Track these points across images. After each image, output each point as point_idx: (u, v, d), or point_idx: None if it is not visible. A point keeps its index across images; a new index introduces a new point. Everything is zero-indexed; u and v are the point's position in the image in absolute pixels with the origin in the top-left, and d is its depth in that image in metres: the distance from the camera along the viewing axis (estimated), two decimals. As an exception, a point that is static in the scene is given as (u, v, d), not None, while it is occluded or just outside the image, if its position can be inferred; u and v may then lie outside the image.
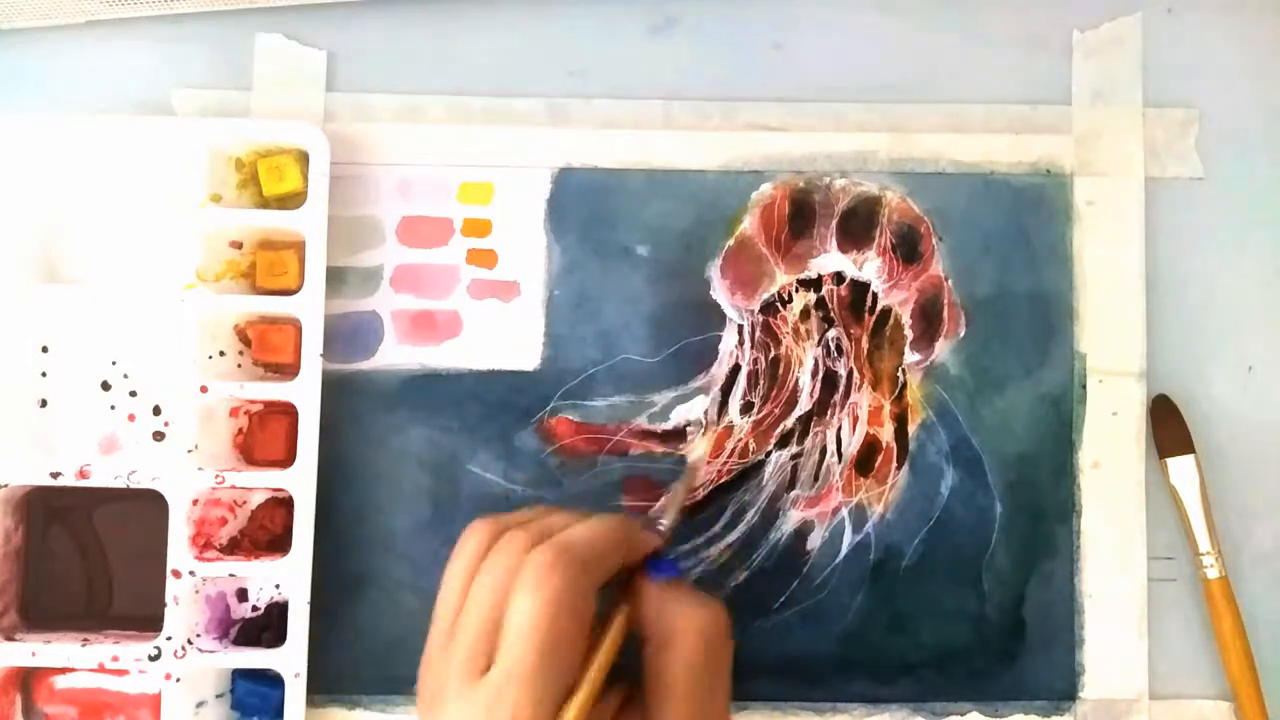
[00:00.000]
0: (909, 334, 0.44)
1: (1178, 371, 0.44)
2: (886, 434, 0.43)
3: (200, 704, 0.41)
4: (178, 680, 0.40)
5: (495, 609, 0.34)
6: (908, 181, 0.44)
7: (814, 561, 0.43)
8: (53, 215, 0.43)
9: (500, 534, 0.36)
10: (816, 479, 0.43)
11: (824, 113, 0.44)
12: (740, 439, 0.43)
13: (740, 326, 0.44)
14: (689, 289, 0.44)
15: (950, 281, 0.44)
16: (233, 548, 0.43)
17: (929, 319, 0.44)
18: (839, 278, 0.44)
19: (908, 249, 0.44)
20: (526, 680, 0.32)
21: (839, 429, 0.44)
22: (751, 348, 0.44)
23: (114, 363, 0.43)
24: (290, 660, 0.40)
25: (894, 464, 0.43)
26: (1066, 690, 0.43)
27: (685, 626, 0.36)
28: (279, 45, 0.44)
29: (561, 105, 0.44)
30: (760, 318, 0.44)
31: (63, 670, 0.42)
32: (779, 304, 0.44)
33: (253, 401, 0.43)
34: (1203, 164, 0.44)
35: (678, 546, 0.43)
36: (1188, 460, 0.43)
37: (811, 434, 0.44)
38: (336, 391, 0.43)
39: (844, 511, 0.43)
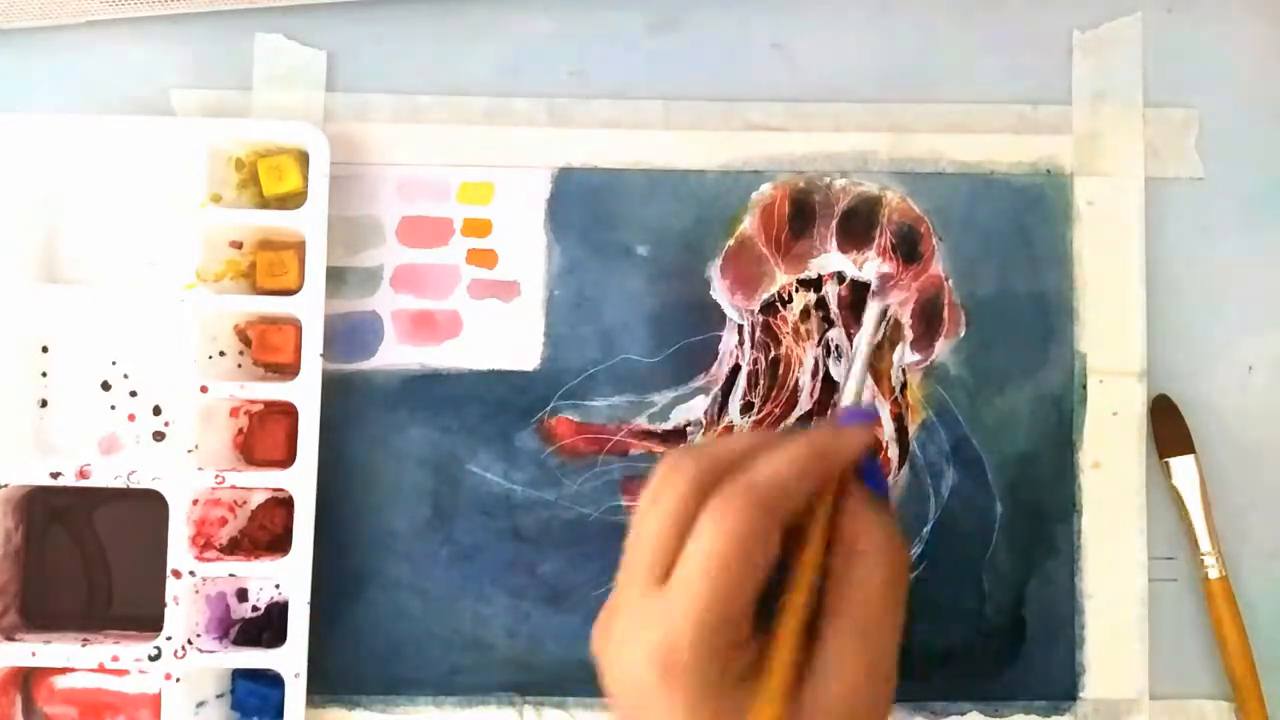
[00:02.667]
0: (909, 334, 0.44)
1: (1178, 371, 0.44)
2: (886, 434, 0.43)
3: (200, 704, 0.41)
4: (178, 680, 0.40)
5: (677, 539, 0.33)
6: (908, 181, 0.44)
7: (814, 561, 0.43)
8: (53, 215, 0.43)
9: (705, 481, 0.34)
10: (816, 479, 0.43)
11: (824, 113, 0.44)
12: (740, 439, 0.43)
13: (740, 326, 0.44)
14: (689, 289, 0.44)
15: (950, 281, 0.44)
16: (233, 548, 0.43)
17: (929, 319, 0.44)
18: (839, 278, 0.44)
19: (908, 249, 0.44)
20: (697, 598, 0.31)
21: (839, 429, 0.43)
22: (751, 348, 0.44)
23: (114, 363, 0.43)
24: (290, 660, 0.40)
25: (894, 464, 0.43)
26: (1066, 690, 0.43)
27: (879, 543, 0.34)
28: (279, 45, 0.44)
29: (561, 105, 0.44)
30: (760, 318, 0.44)
31: (63, 670, 0.42)
32: (779, 304, 0.44)
33: (253, 401, 0.43)
34: (1203, 164, 0.44)
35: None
36: (1188, 460, 0.43)
37: (811, 434, 0.43)
38: (336, 391, 0.43)
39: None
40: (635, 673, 0.32)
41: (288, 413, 0.42)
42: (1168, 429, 0.43)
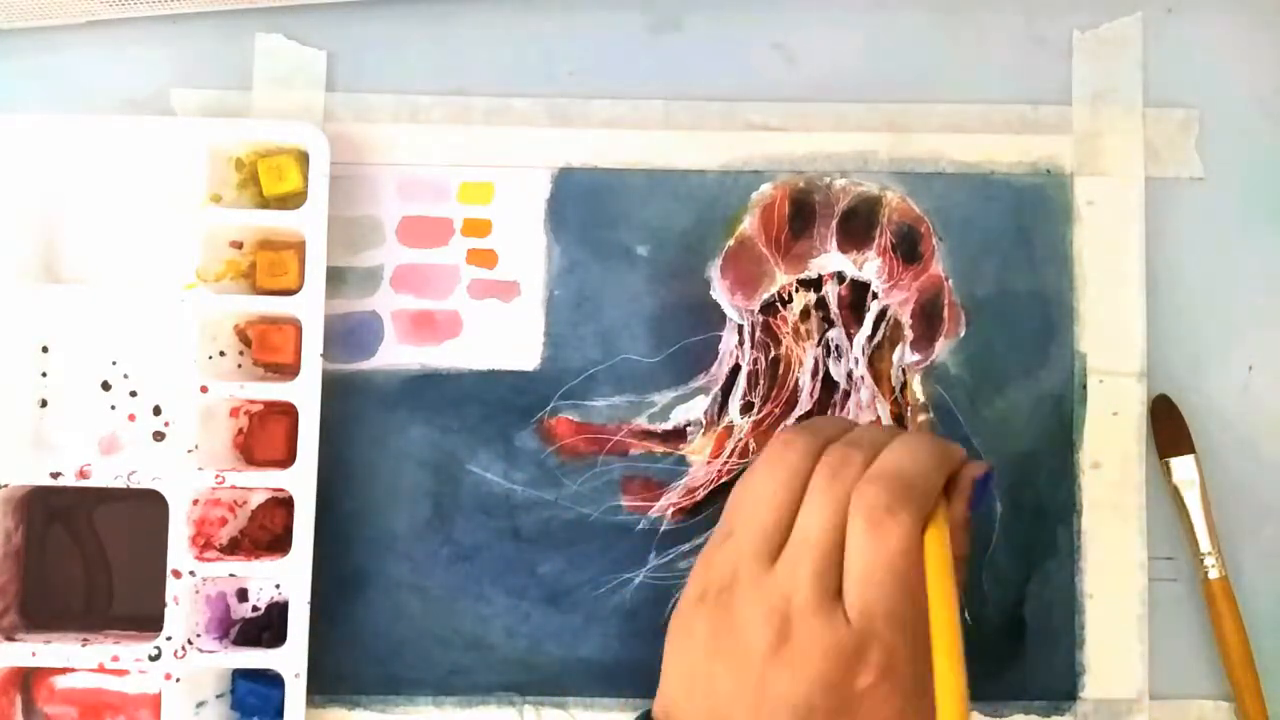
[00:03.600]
0: (909, 334, 0.44)
1: (1178, 371, 0.44)
2: (886, 434, 0.43)
3: (200, 704, 0.41)
4: (178, 680, 0.40)
5: (837, 533, 0.33)
6: (908, 181, 0.44)
7: (814, 561, 0.43)
8: (53, 215, 0.43)
9: (821, 448, 0.35)
10: (816, 479, 0.43)
11: (824, 113, 0.44)
12: (740, 439, 0.43)
13: (740, 326, 0.44)
14: (689, 289, 0.44)
15: (950, 281, 0.44)
16: (233, 548, 0.43)
17: (929, 319, 0.44)
18: (839, 278, 0.44)
19: (908, 249, 0.44)
20: (894, 629, 0.32)
21: (839, 429, 0.43)
22: (751, 348, 0.44)
23: (114, 363, 0.43)
24: (290, 660, 0.40)
25: (894, 464, 0.43)
26: (1066, 690, 0.43)
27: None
28: (279, 45, 0.44)
29: (561, 105, 0.44)
30: (760, 318, 0.44)
31: (63, 670, 0.42)
32: (779, 304, 0.44)
33: (253, 401, 0.43)
34: (1203, 164, 0.44)
35: (678, 547, 0.43)
36: (1188, 460, 0.43)
37: (811, 434, 0.43)
38: (336, 391, 0.43)
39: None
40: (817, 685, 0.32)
41: (288, 413, 0.42)
42: (1168, 429, 0.43)
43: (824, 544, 0.33)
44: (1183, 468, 0.43)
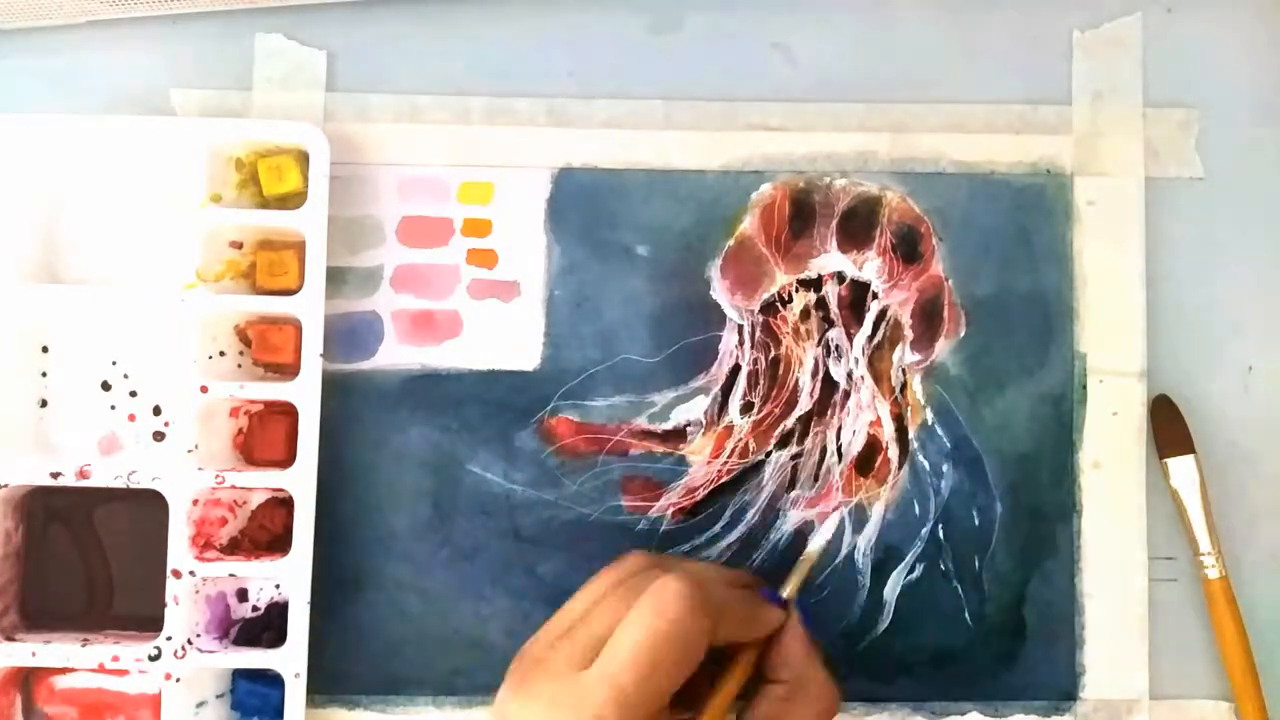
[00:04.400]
0: (909, 334, 0.44)
1: (1178, 371, 0.44)
2: (886, 434, 0.43)
3: (200, 704, 0.41)
4: (178, 680, 0.40)
5: (616, 619, 0.35)
6: (908, 181, 0.44)
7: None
8: (53, 215, 0.43)
9: (652, 568, 0.38)
10: (816, 479, 0.43)
11: (824, 113, 0.44)
12: (740, 439, 0.43)
13: (740, 326, 0.44)
14: (689, 289, 0.44)
15: (950, 281, 0.44)
16: (233, 548, 0.43)
17: (929, 319, 0.44)
18: (839, 278, 0.44)
19: (908, 249, 0.44)
20: (617, 689, 0.33)
21: (839, 429, 0.44)
22: (751, 348, 0.44)
23: (114, 363, 0.43)
24: (290, 660, 0.40)
25: (894, 464, 0.43)
26: (1067, 690, 0.43)
27: (823, 693, 0.38)
28: (279, 45, 0.44)
29: (561, 105, 0.44)
30: (760, 318, 0.44)
31: (63, 670, 0.42)
32: (779, 304, 0.44)
33: (253, 401, 0.43)
34: (1203, 164, 0.44)
35: (678, 547, 0.43)
36: (1188, 460, 0.43)
37: (811, 434, 0.44)
38: (336, 391, 0.43)
39: (844, 511, 0.43)
40: None
41: (288, 413, 0.42)
42: (1168, 429, 0.43)
43: (598, 627, 0.35)
44: (1182, 468, 0.43)
